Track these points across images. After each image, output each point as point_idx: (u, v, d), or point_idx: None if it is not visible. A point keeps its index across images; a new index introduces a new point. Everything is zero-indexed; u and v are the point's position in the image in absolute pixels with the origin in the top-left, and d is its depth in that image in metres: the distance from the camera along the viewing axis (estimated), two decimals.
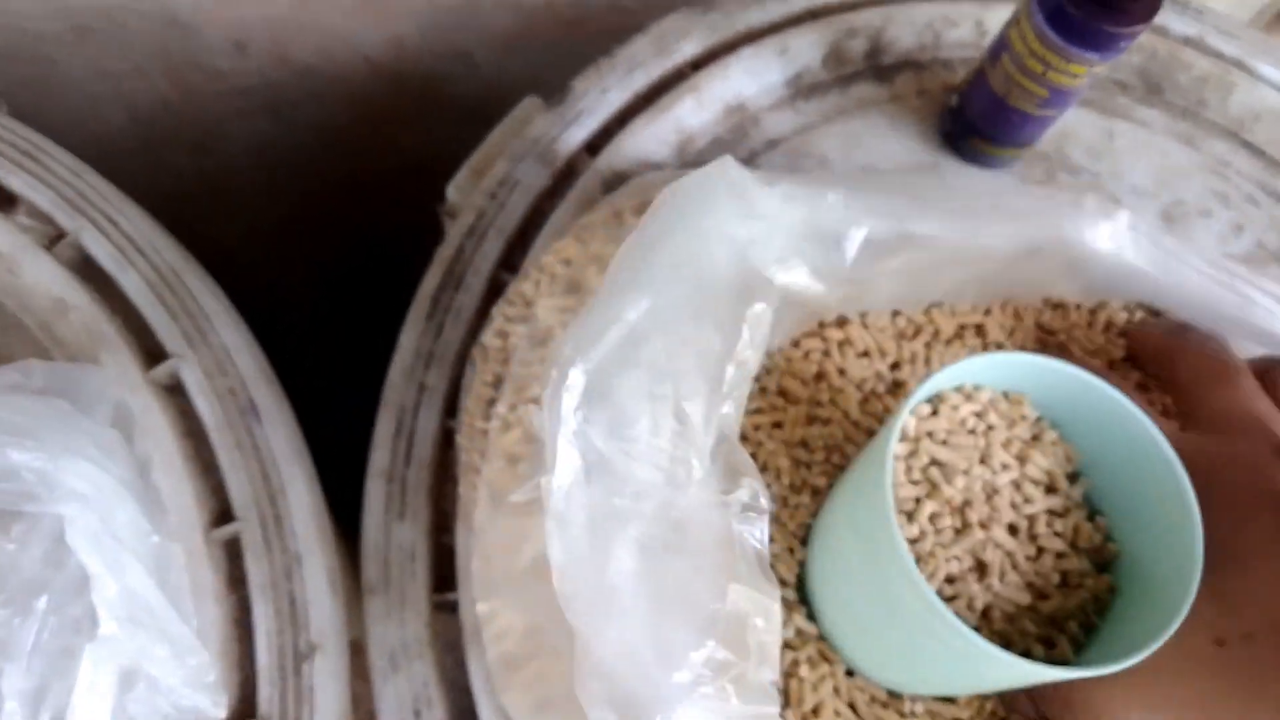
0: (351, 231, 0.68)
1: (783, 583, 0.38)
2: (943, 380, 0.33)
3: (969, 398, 0.34)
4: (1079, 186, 0.51)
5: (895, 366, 0.42)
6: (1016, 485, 0.34)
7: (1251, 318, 0.42)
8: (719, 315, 0.28)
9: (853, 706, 0.38)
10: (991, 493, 0.34)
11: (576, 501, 0.26)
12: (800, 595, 0.39)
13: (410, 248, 0.55)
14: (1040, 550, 0.34)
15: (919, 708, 0.38)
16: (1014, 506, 0.34)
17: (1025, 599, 0.34)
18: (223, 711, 0.34)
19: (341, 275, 0.69)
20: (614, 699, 0.26)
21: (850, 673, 0.38)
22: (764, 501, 0.29)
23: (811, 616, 0.38)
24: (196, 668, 0.33)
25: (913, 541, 0.33)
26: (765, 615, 0.27)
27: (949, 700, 0.38)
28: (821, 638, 0.38)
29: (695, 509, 0.27)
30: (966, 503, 0.33)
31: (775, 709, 0.28)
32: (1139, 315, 0.44)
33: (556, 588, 0.26)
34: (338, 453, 0.49)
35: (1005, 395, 0.35)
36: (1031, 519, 0.34)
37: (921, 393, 0.33)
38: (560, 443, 0.26)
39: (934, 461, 0.33)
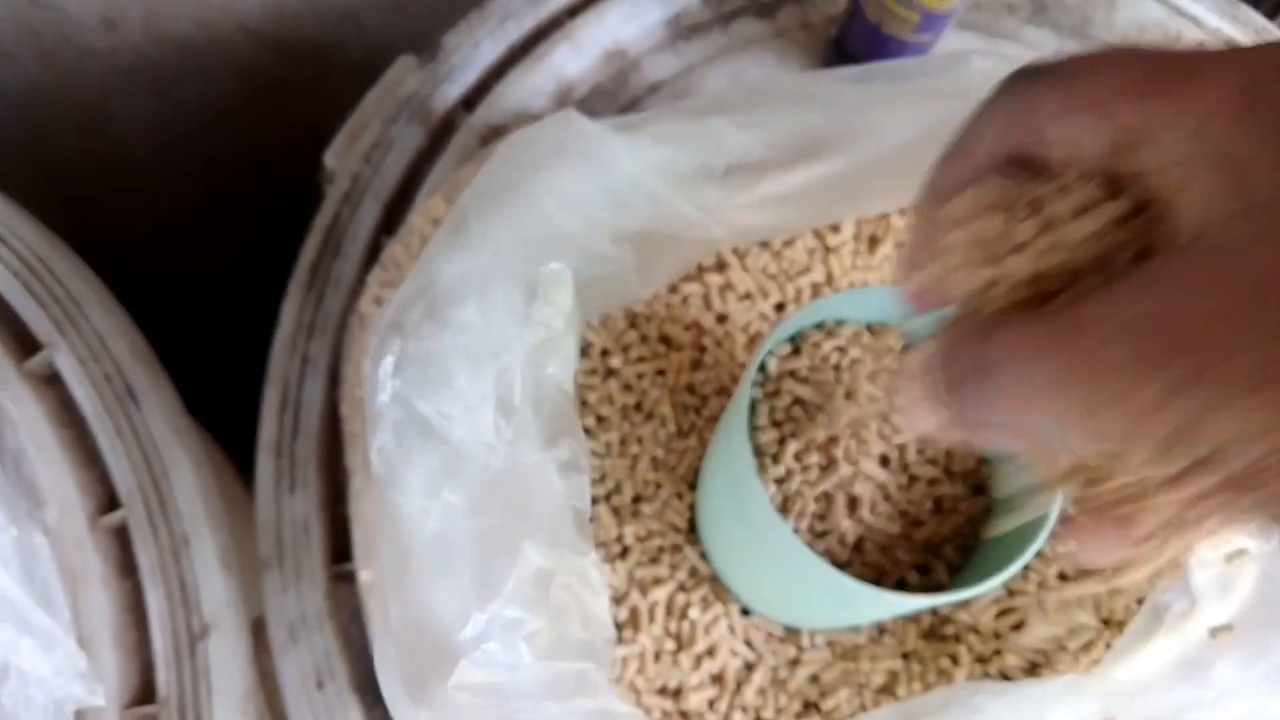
0: (250, 206, 0.67)
1: (674, 527, 0.39)
2: (801, 320, 0.33)
3: (830, 334, 0.34)
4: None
5: (780, 307, 0.42)
6: (885, 417, 0.34)
7: None
8: (531, 275, 0.28)
9: (749, 644, 0.38)
10: (859, 427, 0.34)
11: (398, 464, 0.26)
12: (693, 538, 0.39)
13: (308, 220, 0.54)
14: (912, 479, 0.34)
15: (819, 639, 0.39)
16: (883, 438, 0.34)
17: (898, 529, 0.34)
18: (99, 699, 0.34)
19: (243, 250, 0.68)
20: (404, 665, 0.26)
21: (746, 611, 0.39)
22: (583, 460, 0.29)
23: (705, 557, 0.39)
24: (66, 658, 0.32)
25: (779, 481, 0.33)
26: (576, 574, 0.27)
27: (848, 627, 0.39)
28: (715, 579, 0.38)
29: (513, 469, 0.27)
30: (832, 439, 0.33)
31: (589, 665, 0.28)
32: None
33: (376, 551, 0.26)
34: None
35: (869, 328, 0.35)
36: (902, 449, 0.34)
37: (778, 334, 0.33)
38: (377, 408, 0.26)
39: (796, 400, 0.33)
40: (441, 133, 0.47)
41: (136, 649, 0.39)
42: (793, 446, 0.32)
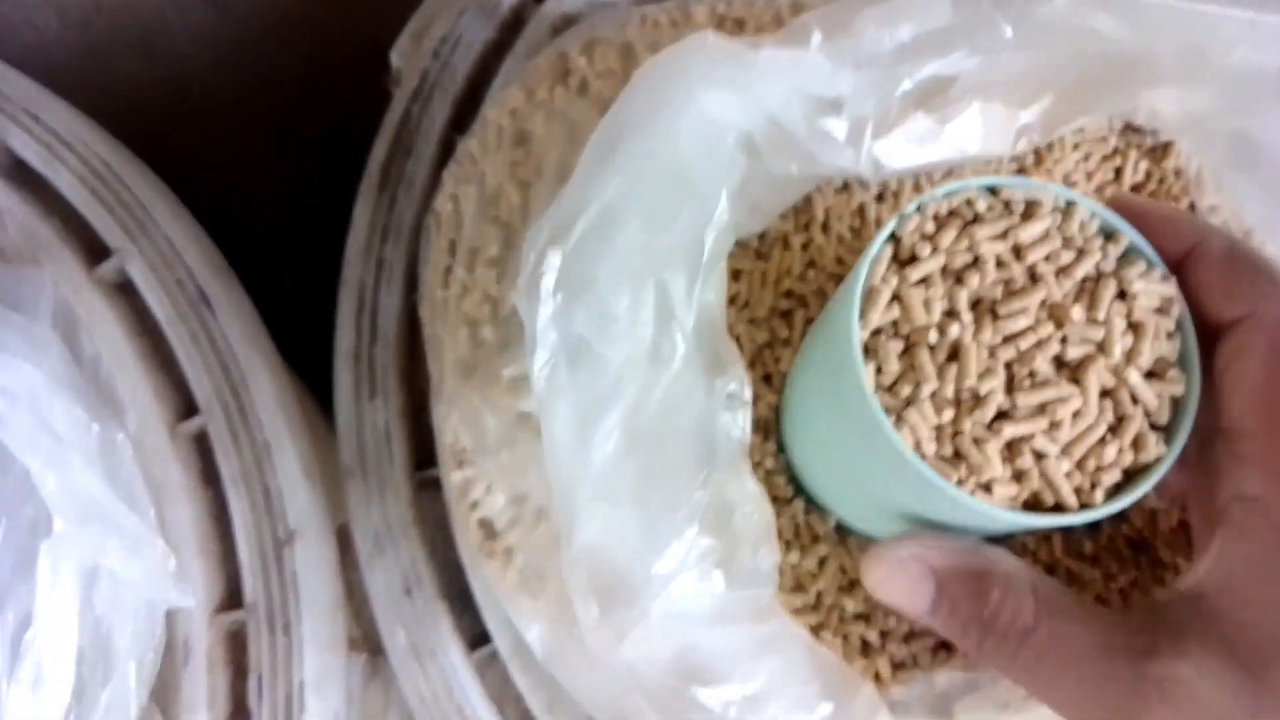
0: (313, 123, 0.66)
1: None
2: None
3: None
4: None
5: (880, 197, 0.39)
6: None
7: None
8: (695, 192, 0.26)
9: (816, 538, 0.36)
10: None
11: (558, 385, 0.25)
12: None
13: (371, 130, 0.53)
14: None
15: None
16: None
17: None
18: (189, 599, 0.33)
19: (307, 170, 0.67)
20: (599, 586, 0.25)
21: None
22: (746, 393, 0.27)
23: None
24: (155, 558, 0.32)
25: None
26: (753, 501, 0.25)
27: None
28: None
29: (677, 393, 0.25)
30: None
31: (768, 591, 0.26)
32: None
33: (546, 471, 0.25)
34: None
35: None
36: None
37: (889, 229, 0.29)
38: (540, 326, 0.25)
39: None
40: (511, 25, 0.44)
41: (222, 557, 0.38)
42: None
